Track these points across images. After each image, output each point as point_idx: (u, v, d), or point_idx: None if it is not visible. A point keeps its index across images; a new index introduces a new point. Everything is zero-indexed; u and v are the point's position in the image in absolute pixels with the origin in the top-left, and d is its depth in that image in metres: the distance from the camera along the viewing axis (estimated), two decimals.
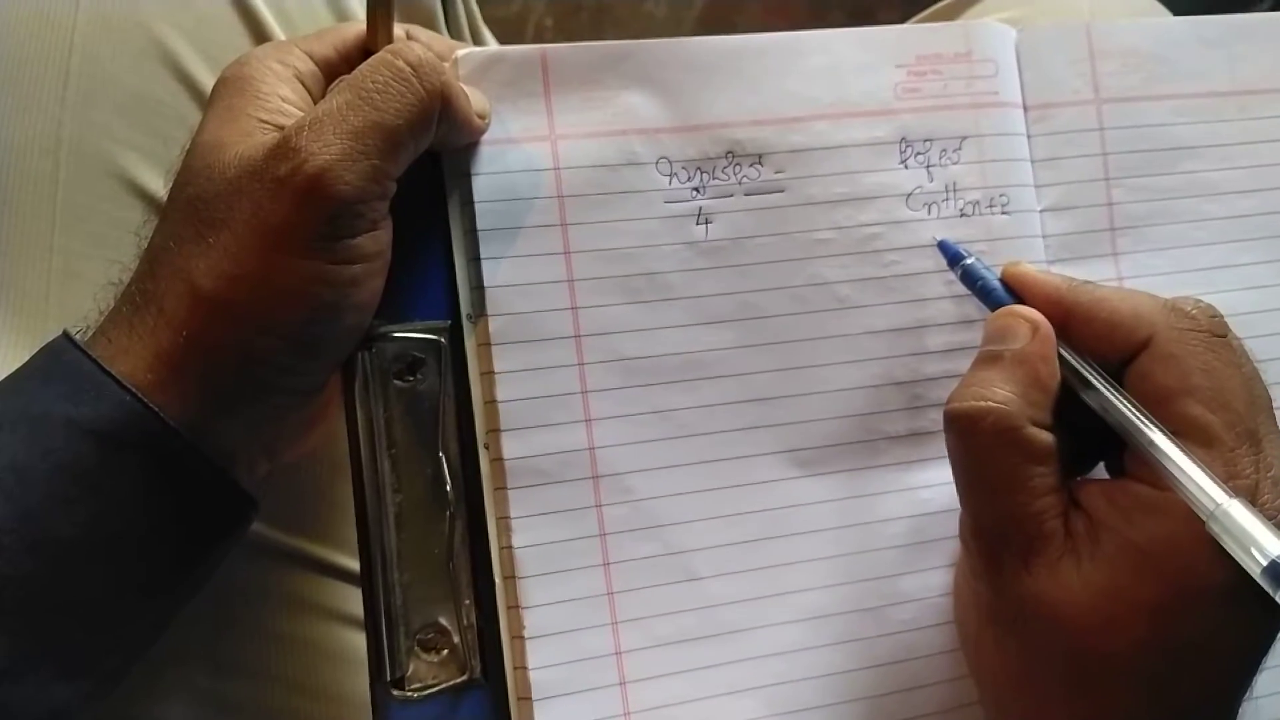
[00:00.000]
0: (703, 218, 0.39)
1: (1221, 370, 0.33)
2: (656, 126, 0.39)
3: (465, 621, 0.37)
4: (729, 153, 0.40)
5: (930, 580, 0.40)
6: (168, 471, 0.34)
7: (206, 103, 0.37)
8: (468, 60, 0.38)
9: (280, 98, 0.36)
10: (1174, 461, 0.31)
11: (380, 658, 0.36)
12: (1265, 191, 0.46)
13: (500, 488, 0.37)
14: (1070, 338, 0.35)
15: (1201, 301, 0.35)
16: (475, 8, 0.56)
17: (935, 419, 0.40)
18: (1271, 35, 0.46)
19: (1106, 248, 0.43)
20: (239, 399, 0.35)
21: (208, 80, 0.41)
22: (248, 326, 0.34)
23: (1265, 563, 0.29)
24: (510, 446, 0.37)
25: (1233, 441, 0.32)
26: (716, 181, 0.40)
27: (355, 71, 0.35)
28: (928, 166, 0.41)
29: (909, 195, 0.41)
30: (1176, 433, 0.32)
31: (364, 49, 0.38)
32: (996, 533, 0.34)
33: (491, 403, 0.37)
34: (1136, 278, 0.43)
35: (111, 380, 0.33)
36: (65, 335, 0.34)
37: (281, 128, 0.35)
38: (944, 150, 0.41)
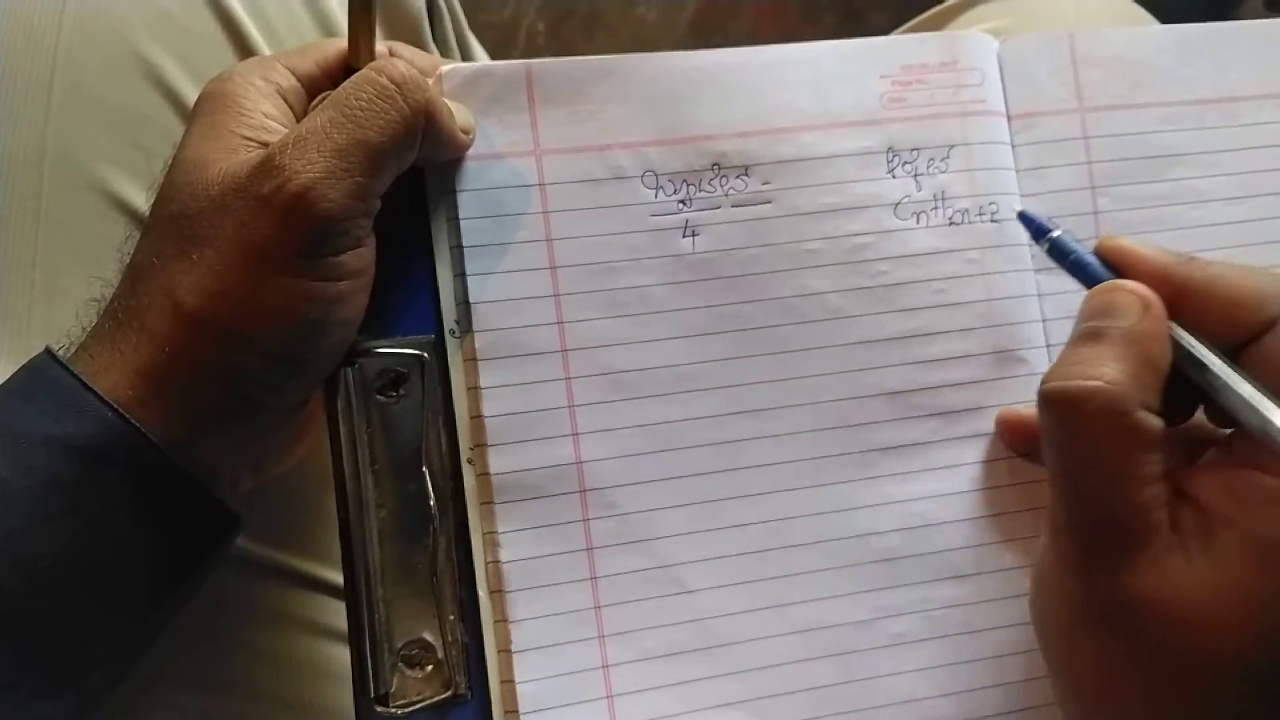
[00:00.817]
0: (689, 230, 0.39)
1: None
2: (642, 140, 0.39)
3: (450, 637, 0.36)
4: (715, 165, 0.40)
5: (923, 594, 0.40)
6: (150, 488, 0.33)
7: (189, 118, 0.37)
8: (452, 75, 0.38)
9: (263, 114, 0.36)
10: None
11: (364, 675, 0.36)
12: (1252, 199, 0.46)
13: (486, 502, 0.37)
14: (1181, 317, 0.33)
15: None
16: (462, 18, 0.56)
17: (929, 429, 0.40)
18: (1257, 42, 0.46)
19: None
20: (222, 415, 0.35)
21: (192, 94, 0.41)
22: (231, 344, 0.34)
23: None
24: (497, 461, 0.37)
25: None
26: (703, 194, 0.39)
27: (339, 89, 0.35)
28: (915, 176, 0.41)
29: (897, 204, 0.41)
30: None
31: (346, 65, 0.38)
32: (1097, 524, 0.31)
33: (477, 418, 0.37)
34: None
35: (93, 397, 0.33)
36: (47, 351, 0.34)
37: (265, 144, 0.35)
38: (931, 159, 0.41)
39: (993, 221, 0.41)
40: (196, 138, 0.36)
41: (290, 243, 0.33)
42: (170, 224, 0.34)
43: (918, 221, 0.41)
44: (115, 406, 0.33)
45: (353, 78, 0.35)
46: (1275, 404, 0.30)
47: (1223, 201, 0.45)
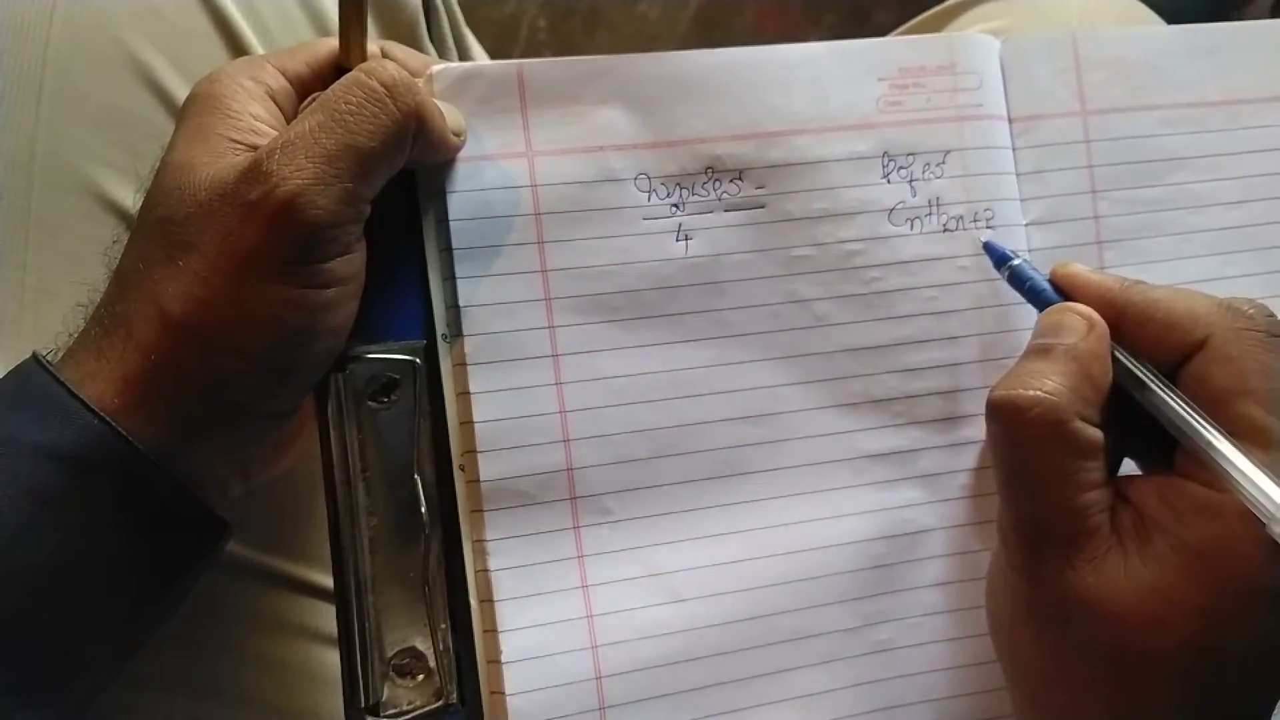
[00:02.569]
0: (682, 234, 0.39)
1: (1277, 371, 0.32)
2: (635, 142, 0.39)
3: (441, 646, 0.36)
4: (709, 168, 0.39)
5: (911, 600, 0.39)
6: (137, 496, 0.33)
7: (177, 120, 0.36)
8: (443, 76, 0.38)
9: (252, 116, 0.36)
10: (1234, 464, 0.31)
11: (354, 684, 0.35)
12: (1254, 203, 0.45)
13: (476, 510, 0.37)
14: (1123, 338, 0.35)
15: (1256, 301, 0.34)
16: (459, 15, 0.55)
17: (916, 437, 0.40)
18: (1262, 44, 0.46)
19: (1093, 261, 0.43)
20: (210, 423, 0.34)
21: (183, 94, 0.40)
22: (218, 351, 0.33)
23: None
24: (487, 468, 0.37)
25: None
26: (696, 197, 0.39)
27: (328, 92, 0.34)
28: (910, 181, 0.41)
29: (891, 210, 0.40)
30: (1234, 434, 0.32)
31: (337, 65, 0.38)
32: (1039, 526, 0.33)
33: (468, 424, 0.37)
34: None
35: (79, 404, 0.32)
36: (34, 357, 0.34)
37: (253, 147, 0.35)
38: (927, 164, 0.41)
39: (988, 228, 0.41)
40: (184, 141, 0.35)
41: (278, 250, 0.33)
42: (157, 229, 0.34)
43: (911, 228, 0.40)
44: (101, 414, 0.32)
45: (341, 80, 0.34)
46: (1201, 421, 0.32)
47: (1223, 206, 0.45)
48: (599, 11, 1.11)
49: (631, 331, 0.38)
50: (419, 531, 0.36)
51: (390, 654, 0.36)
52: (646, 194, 0.39)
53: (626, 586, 0.38)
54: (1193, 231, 0.44)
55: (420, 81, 0.37)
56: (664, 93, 0.39)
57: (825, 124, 0.40)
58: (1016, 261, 0.39)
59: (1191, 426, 0.33)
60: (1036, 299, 0.38)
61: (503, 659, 0.36)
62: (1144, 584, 0.31)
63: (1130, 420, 0.35)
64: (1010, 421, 0.33)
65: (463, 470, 0.37)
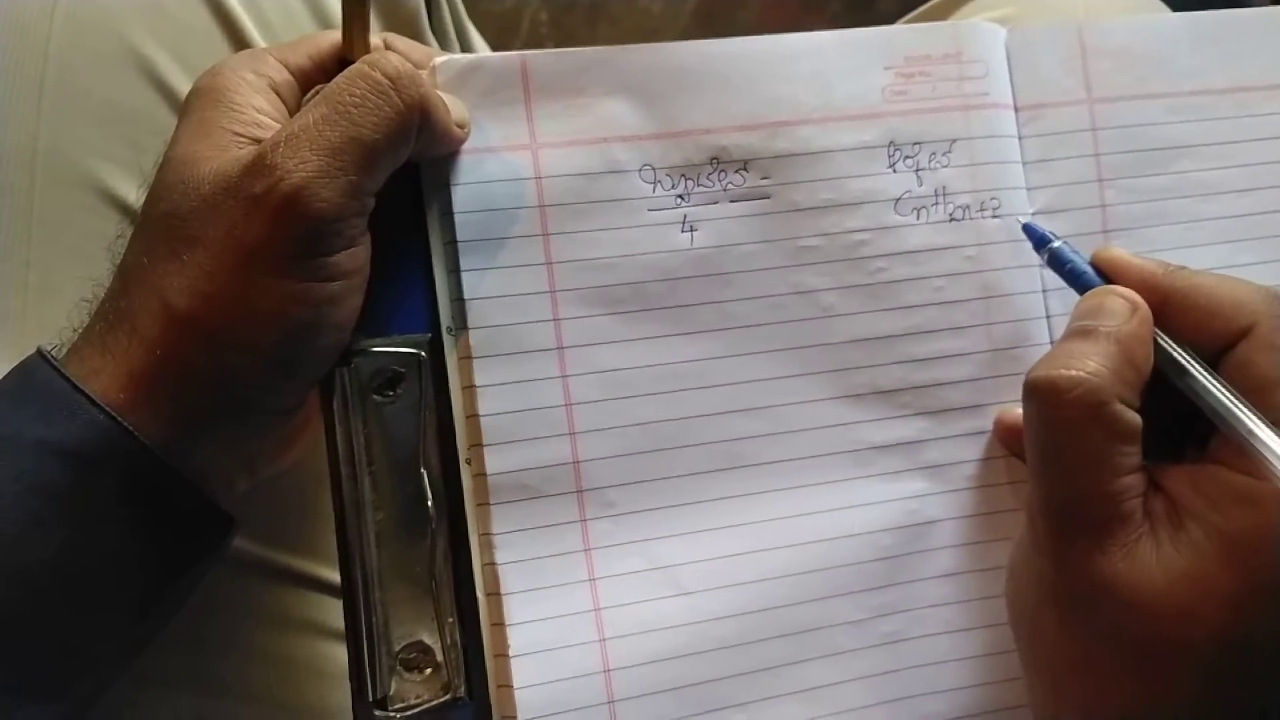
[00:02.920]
0: (687, 225, 0.39)
1: None
2: (639, 133, 0.38)
3: (448, 640, 0.36)
4: (714, 159, 0.39)
5: (918, 592, 0.39)
6: (142, 492, 0.33)
7: (179, 114, 0.36)
8: (446, 68, 0.37)
9: (255, 109, 0.35)
10: (1275, 450, 0.31)
11: (362, 678, 0.35)
12: (1262, 190, 0.45)
13: (483, 503, 0.37)
14: (1166, 323, 0.35)
15: None
16: (461, 8, 0.55)
17: (923, 428, 0.40)
18: (1269, 31, 0.46)
19: None
20: (215, 418, 0.34)
21: (186, 88, 0.40)
22: (223, 346, 0.33)
23: None
24: (493, 461, 0.37)
25: None
26: (701, 188, 0.39)
27: (331, 84, 0.34)
28: (917, 170, 0.40)
29: (897, 200, 0.40)
30: (1277, 424, 0.31)
31: (340, 57, 0.37)
32: (1071, 509, 0.33)
33: (473, 417, 0.37)
34: None
35: (85, 399, 0.32)
36: (39, 353, 0.34)
37: (257, 140, 0.35)
38: (933, 153, 0.41)
39: (994, 217, 0.41)
40: (186, 135, 0.35)
41: (283, 244, 0.33)
42: (161, 224, 0.34)
43: (918, 218, 0.40)
44: (107, 409, 0.32)
45: (345, 72, 0.34)
46: (1245, 409, 0.32)
47: (1232, 194, 0.44)
48: (601, 5, 1.10)
49: (637, 324, 0.38)
50: (425, 525, 0.36)
51: (398, 648, 0.36)
52: (651, 185, 0.38)
53: (632, 580, 0.38)
54: (1200, 219, 0.44)
55: (423, 74, 0.36)
56: (668, 84, 0.39)
57: (831, 114, 0.40)
58: (1057, 244, 0.38)
59: (1233, 413, 0.32)
60: (1077, 282, 0.37)
61: (510, 652, 0.36)
62: (1176, 572, 0.31)
63: (1165, 407, 0.34)
64: (1049, 402, 0.33)
65: (469, 464, 0.37)
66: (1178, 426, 0.35)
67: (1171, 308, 0.35)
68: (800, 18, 1.08)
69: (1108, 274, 0.37)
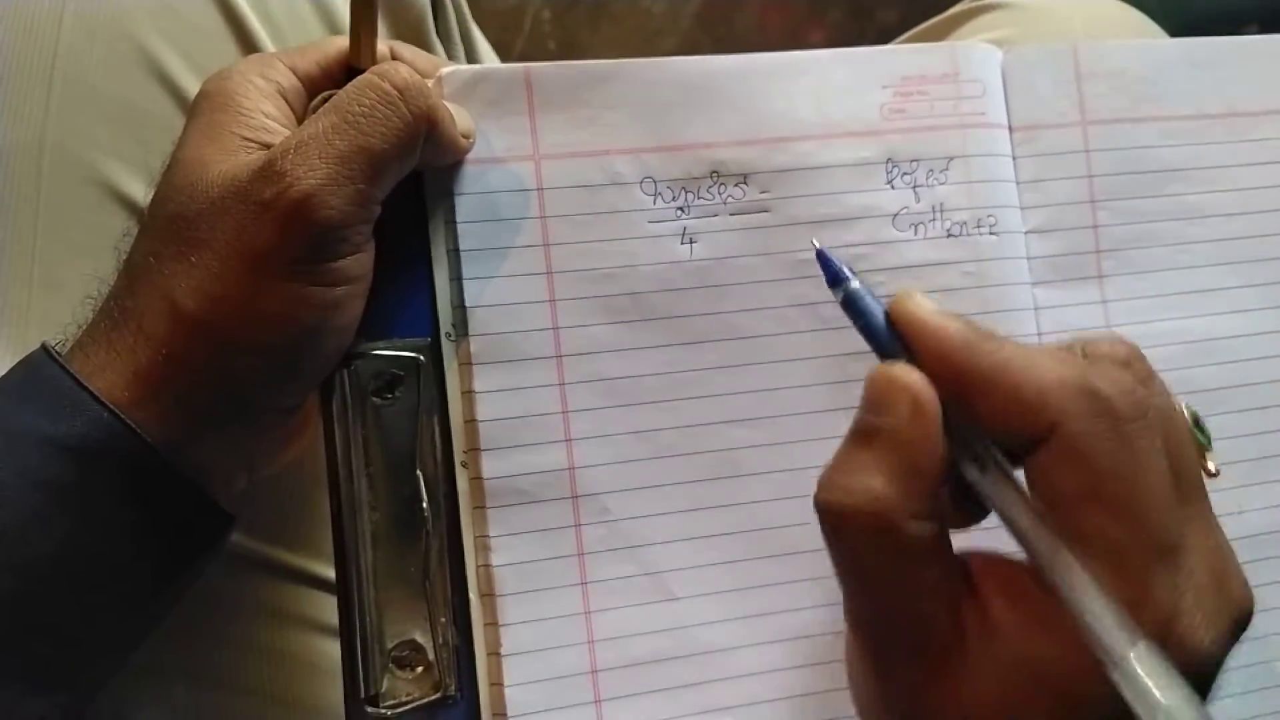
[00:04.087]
0: (687, 238, 0.39)
1: (1137, 469, 0.27)
2: (641, 146, 0.39)
3: (441, 639, 0.37)
4: (714, 172, 0.40)
5: None
6: (144, 489, 0.34)
7: (187, 116, 0.37)
8: (452, 79, 0.38)
9: (263, 114, 0.36)
10: (1075, 593, 0.27)
11: (355, 675, 0.36)
12: (1252, 215, 0.46)
13: (479, 506, 0.37)
14: (966, 403, 0.29)
15: (1124, 372, 0.28)
16: (466, 11, 0.56)
17: None
18: (1262, 57, 0.46)
19: (1092, 270, 0.43)
20: (218, 417, 0.35)
21: (194, 88, 0.41)
22: (228, 347, 0.34)
23: None
24: (490, 466, 0.37)
25: (1145, 560, 0.27)
26: (701, 201, 0.39)
27: (341, 93, 0.35)
28: (914, 187, 0.41)
29: (895, 216, 0.41)
30: (1080, 542, 0.27)
31: (347, 64, 0.38)
32: (883, 631, 0.29)
33: (471, 422, 0.37)
34: (1121, 300, 0.43)
35: (89, 396, 0.33)
36: (44, 348, 0.34)
37: (265, 145, 0.35)
38: (931, 171, 0.41)
39: (991, 234, 0.41)
40: (195, 137, 0.36)
41: (290, 249, 0.33)
42: (168, 225, 0.34)
43: (916, 233, 0.41)
44: (111, 407, 0.33)
45: (354, 82, 0.35)
46: (1043, 531, 0.28)
47: (1223, 217, 0.45)
48: (603, 5, 1.11)
49: (635, 333, 0.39)
50: (420, 526, 0.37)
51: (390, 646, 0.36)
52: (652, 198, 0.39)
53: (623, 584, 0.38)
54: (1191, 242, 0.45)
55: (429, 83, 0.37)
56: (670, 97, 0.39)
57: (829, 130, 0.40)
58: (854, 285, 0.31)
59: (1033, 537, 0.28)
60: (870, 339, 0.31)
61: (502, 651, 0.37)
62: (987, 697, 0.28)
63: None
64: (838, 527, 0.29)
65: (465, 467, 0.37)
66: None
67: (970, 390, 0.28)
68: (799, 24, 1.08)
69: (904, 335, 0.30)
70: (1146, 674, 0.25)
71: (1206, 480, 0.30)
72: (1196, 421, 0.39)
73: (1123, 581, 0.26)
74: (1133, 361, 0.29)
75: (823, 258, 0.32)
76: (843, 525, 0.28)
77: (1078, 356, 0.29)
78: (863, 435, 0.29)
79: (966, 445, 0.29)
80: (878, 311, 0.30)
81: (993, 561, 0.29)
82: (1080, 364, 0.28)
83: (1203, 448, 0.37)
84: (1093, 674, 0.26)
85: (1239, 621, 0.28)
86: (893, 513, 0.28)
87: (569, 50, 1.10)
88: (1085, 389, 0.27)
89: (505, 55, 1.08)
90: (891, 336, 0.30)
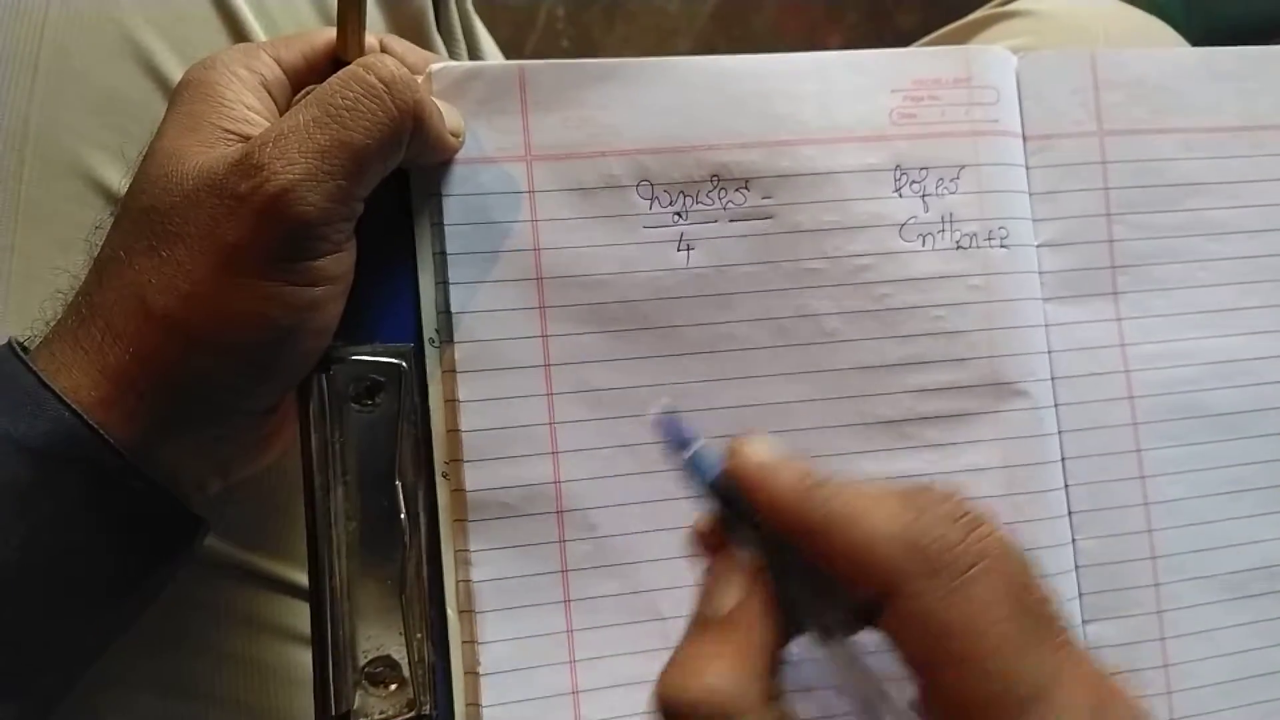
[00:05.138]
0: (684, 244, 0.38)
1: (979, 622, 0.27)
2: (638, 148, 0.38)
3: (416, 656, 0.35)
4: (714, 176, 0.38)
5: None
6: (108, 492, 0.32)
7: (168, 105, 0.36)
8: (442, 75, 0.37)
9: (245, 106, 0.35)
10: None
11: (326, 691, 0.35)
12: (1274, 232, 0.44)
13: (460, 520, 0.36)
14: (811, 552, 0.28)
15: (953, 525, 0.28)
16: (469, 5, 0.54)
17: (927, 460, 0.39)
18: None
19: (1106, 286, 0.42)
20: (188, 419, 0.33)
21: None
22: (200, 347, 0.33)
23: None
24: (472, 477, 0.36)
25: (1011, 713, 0.26)
26: (700, 206, 0.38)
27: (324, 85, 0.33)
28: (923, 196, 0.39)
29: (903, 225, 0.39)
30: (941, 704, 0.27)
31: (333, 57, 0.37)
32: None
33: (454, 431, 0.36)
34: (1136, 318, 0.42)
35: (52, 396, 0.32)
36: (9, 344, 0.33)
37: (245, 138, 0.34)
38: (941, 179, 0.40)
39: (1002, 247, 0.40)
40: (174, 127, 0.34)
41: (266, 245, 0.32)
42: (141, 218, 0.33)
43: (923, 244, 0.39)
44: (74, 407, 0.32)
45: (339, 74, 0.34)
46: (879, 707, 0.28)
47: (1244, 234, 0.43)
48: (619, 2, 1.10)
49: (628, 343, 0.37)
50: (398, 539, 0.35)
51: (363, 662, 0.35)
52: (648, 202, 0.38)
53: (608, 602, 0.37)
54: (1211, 259, 0.43)
55: (419, 79, 0.36)
56: (670, 98, 0.38)
57: (837, 134, 0.39)
58: (699, 446, 0.30)
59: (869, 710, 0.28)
60: (710, 499, 0.30)
61: (480, 670, 0.36)
62: None
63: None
64: None
65: (446, 479, 0.36)
66: None
67: (809, 544, 0.28)
68: (817, 26, 1.07)
69: (744, 493, 0.29)
70: None
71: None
72: None
73: None
74: (961, 507, 0.28)
75: (666, 424, 0.31)
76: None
77: (907, 507, 0.28)
78: (701, 625, 0.29)
79: (811, 614, 0.29)
80: (713, 471, 0.30)
81: None
82: (907, 517, 0.28)
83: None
84: None
85: None
86: (732, 704, 0.27)
87: (582, 49, 1.09)
88: (914, 547, 0.27)
89: (518, 53, 1.07)
90: (729, 490, 0.29)
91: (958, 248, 0.40)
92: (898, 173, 0.39)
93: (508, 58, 0.59)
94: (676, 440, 0.30)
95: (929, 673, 0.27)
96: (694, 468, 0.30)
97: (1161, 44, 0.54)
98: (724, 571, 0.29)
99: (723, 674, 0.27)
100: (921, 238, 0.40)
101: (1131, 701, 0.28)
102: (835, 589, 0.28)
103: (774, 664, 0.28)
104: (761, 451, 0.29)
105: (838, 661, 0.29)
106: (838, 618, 0.28)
